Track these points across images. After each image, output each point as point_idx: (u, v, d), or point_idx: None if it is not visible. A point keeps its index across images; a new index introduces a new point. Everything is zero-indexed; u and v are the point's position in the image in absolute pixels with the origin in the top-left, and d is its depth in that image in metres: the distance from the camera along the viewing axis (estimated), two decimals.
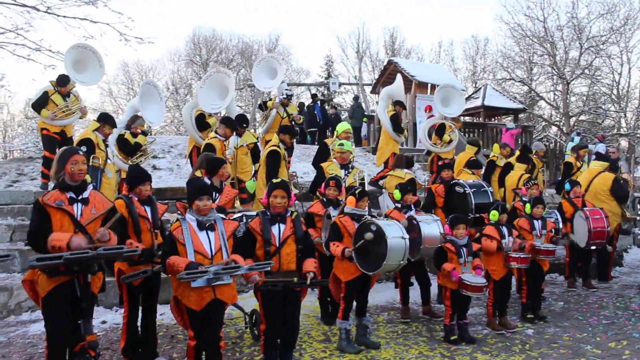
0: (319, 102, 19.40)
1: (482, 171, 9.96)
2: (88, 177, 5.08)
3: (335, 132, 8.85)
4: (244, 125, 8.90)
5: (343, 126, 8.57)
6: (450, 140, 11.57)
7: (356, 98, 21.83)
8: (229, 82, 9.59)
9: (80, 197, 4.18)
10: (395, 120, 10.92)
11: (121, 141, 8.87)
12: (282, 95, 11.49)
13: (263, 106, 11.70)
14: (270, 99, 11.75)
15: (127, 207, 4.89)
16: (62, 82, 9.50)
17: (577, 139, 17.72)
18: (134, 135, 8.96)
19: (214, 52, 43.32)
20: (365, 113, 20.28)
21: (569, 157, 10.93)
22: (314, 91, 26.85)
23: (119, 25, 14.53)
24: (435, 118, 12.23)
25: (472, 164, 9.39)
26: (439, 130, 11.58)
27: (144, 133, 9.27)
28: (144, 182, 5.08)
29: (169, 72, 44.72)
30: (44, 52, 14.91)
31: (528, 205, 7.08)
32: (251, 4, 63.39)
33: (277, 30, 68.09)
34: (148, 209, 5.05)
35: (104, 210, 4.29)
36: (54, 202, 4.04)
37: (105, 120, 7.99)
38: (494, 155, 10.54)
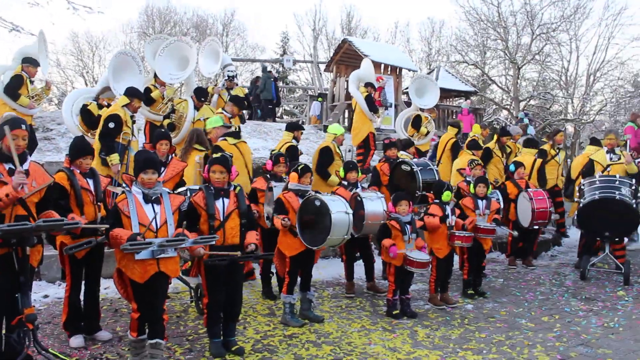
0: (272, 79, 19.30)
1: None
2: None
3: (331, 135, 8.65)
4: (202, 99, 8.71)
5: (339, 129, 8.56)
6: (427, 132, 11.75)
7: (264, 69, 21.39)
8: (190, 52, 9.23)
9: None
10: (371, 101, 10.99)
11: (85, 112, 8.33)
12: (225, 77, 10.83)
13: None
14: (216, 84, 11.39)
15: (68, 180, 4.80)
16: (35, 63, 8.92)
17: (525, 120, 18.16)
18: (100, 107, 8.36)
19: (168, 25, 42.40)
20: (319, 91, 20.28)
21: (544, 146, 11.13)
22: (268, 68, 26.66)
23: None
24: (410, 110, 12.18)
25: (473, 145, 9.58)
26: (415, 122, 11.59)
27: (108, 106, 8.44)
28: (85, 156, 4.97)
29: (120, 44, 43.55)
30: None
31: (472, 185, 7.27)
32: None
33: (232, 4, 66.92)
34: (91, 182, 4.97)
35: (44, 184, 4.21)
36: None
37: (135, 94, 7.54)
38: (475, 136, 10.70)
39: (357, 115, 11.22)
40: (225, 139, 7.35)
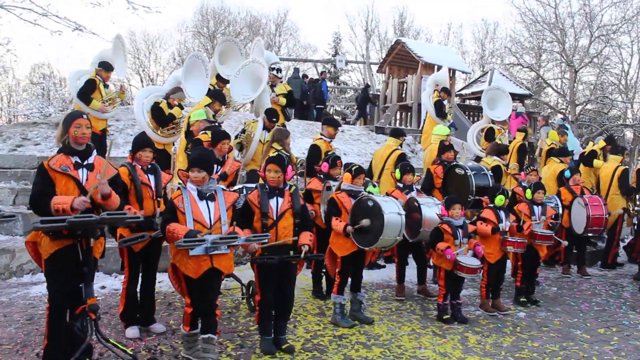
0: (326, 79, 19.32)
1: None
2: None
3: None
4: (274, 119, 8.62)
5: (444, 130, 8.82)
6: None
7: (296, 70, 21.24)
8: (262, 73, 9.09)
9: (85, 163, 4.20)
10: (439, 106, 10.93)
11: (156, 109, 8.43)
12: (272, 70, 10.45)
13: None
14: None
15: (130, 175, 4.96)
16: (107, 67, 9.06)
17: (567, 125, 17.60)
18: (170, 106, 8.52)
19: (222, 25, 43.05)
20: (371, 93, 20.23)
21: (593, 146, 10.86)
22: (321, 68, 26.76)
23: None
24: (482, 122, 11.86)
25: (560, 152, 9.62)
26: (488, 135, 11.15)
27: (181, 106, 8.77)
28: (144, 148, 5.13)
29: (175, 43, 44.53)
30: (50, 17, 14.81)
31: (529, 191, 7.11)
32: None
33: (285, 4, 67.44)
34: (151, 177, 5.12)
35: (109, 177, 4.33)
36: (59, 166, 4.06)
37: (217, 96, 7.81)
38: (553, 143, 10.51)
39: (427, 119, 11.27)
40: (206, 133, 7.36)
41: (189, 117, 7.78)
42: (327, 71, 24.41)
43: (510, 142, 10.93)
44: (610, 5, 30.85)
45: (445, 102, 11.11)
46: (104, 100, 8.98)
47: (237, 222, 4.69)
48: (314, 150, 8.03)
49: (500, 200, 6.54)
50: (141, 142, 5.22)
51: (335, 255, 5.83)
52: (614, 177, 9.42)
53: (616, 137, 32.89)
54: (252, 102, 10.60)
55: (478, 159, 10.70)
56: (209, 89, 9.49)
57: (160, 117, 8.44)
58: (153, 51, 44.40)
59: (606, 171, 9.62)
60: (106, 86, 9.13)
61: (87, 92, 8.78)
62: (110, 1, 13.88)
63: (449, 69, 18.44)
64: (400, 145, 8.78)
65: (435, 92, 11.19)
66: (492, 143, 9.62)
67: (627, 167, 9.25)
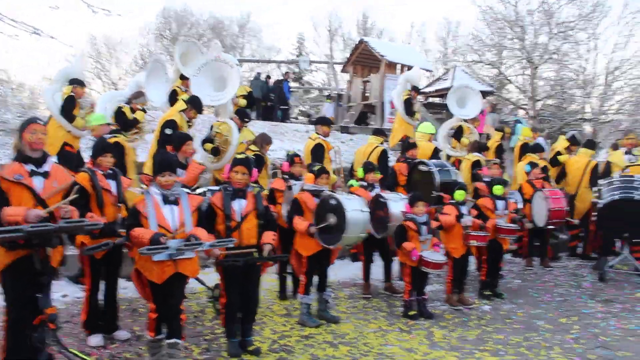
0: (289, 80, 19.31)
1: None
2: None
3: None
4: (246, 120, 8.58)
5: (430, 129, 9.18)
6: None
7: (258, 74, 21.21)
8: (229, 73, 8.77)
9: (41, 170, 4.12)
10: (409, 104, 11.02)
11: (119, 114, 8.29)
12: None
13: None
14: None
15: (90, 181, 4.88)
16: (82, 84, 8.70)
17: (524, 121, 17.98)
18: (133, 110, 8.43)
19: (184, 27, 42.64)
20: (335, 93, 20.30)
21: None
22: (285, 69, 26.75)
23: None
24: (451, 121, 11.88)
25: (537, 149, 9.85)
26: (457, 134, 11.24)
27: (144, 110, 8.67)
28: (105, 153, 5.06)
29: (138, 46, 43.94)
30: (6, 21, 14.48)
31: (499, 186, 7.12)
32: None
33: (248, 6, 67.12)
34: (112, 183, 5.05)
35: (65, 184, 4.26)
36: (12, 176, 3.97)
37: (194, 103, 7.70)
38: (526, 139, 10.68)
39: (396, 117, 11.44)
40: (116, 136, 7.37)
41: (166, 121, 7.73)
42: (291, 72, 24.40)
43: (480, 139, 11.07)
44: (568, 2, 31.53)
45: (414, 100, 11.21)
46: (81, 117, 8.56)
47: (201, 225, 4.66)
48: (319, 148, 8.23)
49: (459, 195, 6.64)
50: (102, 147, 5.15)
51: (301, 255, 5.83)
52: (586, 171, 9.59)
53: (569, 131, 33.71)
54: None
55: (448, 158, 10.80)
56: (174, 90, 9.42)
57: (124, 121, 8.30)
58: (115, 55, 43.78)
59: (577, 165, 9.77)
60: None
61: (70, 109, 8.44)
62: (68, 3, 13.58)
63: (412, 68, 18.67)
64: (382, 143, 8.91)
65: (406, 90, 11.28)
66: (473, 141, 9.79)
67: (598, 161, 9.42)
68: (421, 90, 18.58)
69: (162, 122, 7.57)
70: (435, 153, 9.29)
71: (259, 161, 7.74)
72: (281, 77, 21.24)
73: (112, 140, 6.96)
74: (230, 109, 9.04)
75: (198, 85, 8.84)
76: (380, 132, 9.31)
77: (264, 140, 8.02)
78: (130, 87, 8.73)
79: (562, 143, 10.75)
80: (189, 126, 7.77)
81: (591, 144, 10.21)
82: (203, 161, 8.82)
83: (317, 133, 8.53)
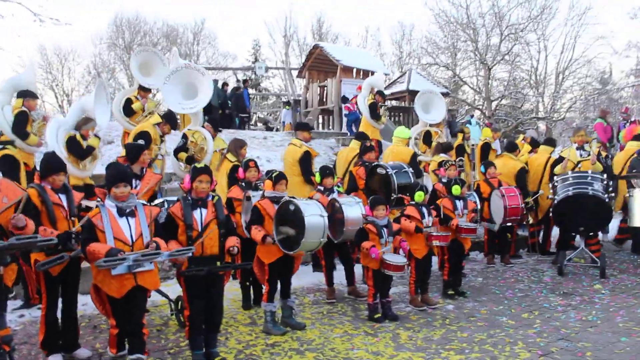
0: (248, 87, 19.23)
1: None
2: None
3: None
4: (219, 129, 8.50)
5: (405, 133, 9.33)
6: None
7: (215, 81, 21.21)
8: (199, 81, 8.67)
9: None
10: (374, 108, 11.07)
11: (73, 143, 7.57)
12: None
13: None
14: None
15: (40, 196, 4.70)
16: (33, 96, 8.27)
17: (473, 122, 18.43)
18: (84, 138, 7.73)
19: (138, 35, 42.10)
20: (291, 98, 20.31)
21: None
22: (241, 76, 26.61)
23: (32, 5, 13.89)
24: (418, 126, 12.04)
25: (511, 147, 10.10)
26: (425, 138, 11.38)
27: (97, 137, 7.99)
28: (59, 172, 4.88)
29: (90, 56, 43.18)
30: None
31: (457, 187, 7.19)
32: None
33: (202, 13, 66.71)
34: (63, 197, 4.88)
35: (16, 199, 4.14)
36: None
37: (169, 119, 7.61)
38: (486, 139, 10.78)
39: (362, 122, 11.50)
40: (6, 147, 7.26)
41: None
42: (248, 78, 24.27)
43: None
44: (517, 5, 32.31)
45: (380, 104, 11.29)
46: (34, 132, 8.13)
47: (161, 236, 4.57)
48: (307, 156, 8.29)
49: (419, 196, 6.70)
50: (56, 166, 4.92)
51: (263, 262, 5.78)
52: (546, 168, 9.75)
53: (529, 129, 34.49)
54: None
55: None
56: (128, 99, 9.26)
57: (79, 151, 7.68)
58: (66, 65, 42.89)
59: (537, 162, 9.93)
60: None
61: (22, 125, 7.93)
62: (14, 14, 13.24)
63: (367, 71, 18.83)
64: (305, 140, 8.80)
65: (371, 95, 11.34)
66: (436, 143, 9.93)
67: (558, 157, 9.59)
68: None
69: (135, 133, 7.46)
70: (414, 157, 9.37)
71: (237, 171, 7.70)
72: (237, 85, 21.14)
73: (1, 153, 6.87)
74: (201, 118, 8.96)
75: (168, 93, 8.74)
76: (362, 137, 9.31)
77: (237, 146, 7.86)
78: (72, 113, 8.06)
79: (525, 148, 10.94)
80: (162, 141, 7.64)
81: (551, 142, 10.45)
82: (175, 170, 8.71)
83: (298, 139, 8.49)
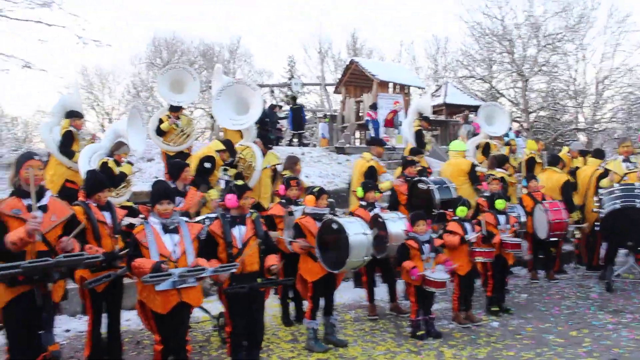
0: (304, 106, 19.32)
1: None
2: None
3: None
4: (270, 146, 8.47)
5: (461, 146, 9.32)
6: None
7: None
8: (251, 96, 8.64)
9: (39, 204, 4.07)
10: (419, 136, 10.83)
11: (105, 169, 7.43)
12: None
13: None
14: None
15: (85, 214, 4.79)
16: (79, 115, 8.54)
17: (511, 134, 18.05)
18: (118, 163, 7.72)
19: (175, 54, 42.89)
20: (328, 113, 20.34)
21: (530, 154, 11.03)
22: (277, 92, 26.78)
23: (76, 28, 14.32)
24: (479, 137, 11.80)
25: (555, 161, 9.78)
26: (484, 150, 11.13)
27: (130, 163, 7.98)
28: (103, 190, 4.99)
29: (129, 75, 44.19)
30: None
31: (501, 201, 7.08)
32: (211, 5, 62.97)
33: (238, 31, 67.74)
34: (107, 215, 4.95)
35: (64, 217, 4.21)
36: (9, 210, 3.94)
37: (229, 147, 7.71)
38: (532, 152, 10.61)
39: (407, 148, 11.14)
40: None
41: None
42: (289, 95, 24.26)
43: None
44: (554, 15, 31.90)
45: (425, 131, 11.10)
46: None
47: (201, 254, 4.59)
48: (371, 171, 8.24)
49: (461, 211, 6.59)
50: (101, 183, 5.04)
51: (306, 280, 5.75)
52: (591, 181, 9.49)
53: (570, 141, 33.79)
54: (213, 127, 10.52)
55: None
56: (161, 120, 9.27)
57: (111, 177, 7.53)
58: (107, 85, 43.97)
59: (584, 174, 9.70)
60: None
61: (67, 144, 8.20)
62: (59, 37, 13.67)
63: (403, 86, 18.80)
64: (378, 156, 8.78)
65: (417, 121, 11.16)
66: (491, 157, 9.71)
67: (603, 170, 9.33)
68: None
69: (199, 157, 7.52)
70: (473, 168, 9.21)
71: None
72: (273, 102, 21.27)
73: None
74: (253, 133, 8.90)
75: (219, 109, 8.74)
76: (376, 142, 9.16)
77: (292, 162, 7.92)
78: (107, 137, 8.14)
79: (576, 161, 10.67)
80: (224, 168, 7.78)
81: (599, 153, 10.18)
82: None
83: (370, 154, 8.52)
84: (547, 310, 7.12)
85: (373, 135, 17.36)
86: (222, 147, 7.66)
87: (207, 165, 7.33)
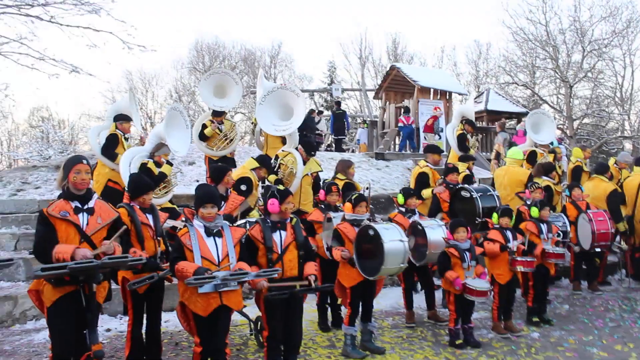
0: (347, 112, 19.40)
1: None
2: None
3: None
4: (312, 152, 8.41)
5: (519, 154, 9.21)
6: None
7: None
8: (295, 101, 8.65)
9: (85, 207, 4.18)
10: (463, 139, 10.81)
11: (144, 171, 7.46)
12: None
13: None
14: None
15: (129, 216, 4.90)
16: (126, 119, 8.63)
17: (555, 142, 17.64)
18: (158, 164, 7.72)
19: (217, 60, 43.50)
20: (368, 119, 20.29)
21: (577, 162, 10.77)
22: (317, 98, 26.87)
23: (122, 34, 14.72)
24: (525, 145, 11.58)
25: (602, 170, 9.57)
26: (529, 158, 10.68)
27: (169, 163, 7.94)
28: (148, 192, 5.11)
29: (172, 80, 45.06)
30: (47, 61, 15.01)
31: (535, 209, 7.03)
32: (253, 10, 63.67)
33: (279, 36, 68.19)
34: (150, 217, 5.07)
35: (109, 220, 4.30)
36: (58, 212, 4.05)
37: (264, 163, 7.66)
38: (578, 160, 10.46)
39: (451, 154, 11.11)
40: None
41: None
42: (316, 110, 24.39)
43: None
44: (600, 20, 31.23)
45: (469, 135, 11.00)
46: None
47: (241, 259, 4.63)
48: (422, 177, 8.30)
49: (494, 218, 6.54)
50: (145, 186, 5.17)
51: (344, 286, 5.74)
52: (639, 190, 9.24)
53: (615, 149, 32.92)
54: (253, 132, 10.57)
55: None
56: (204, 124, 9.36)
57: (151, 178, 7.40)
58: (150, 89, 44.88)
59: (632, 183, 9.43)
60: (126, 139, 8.65)
61: (110, 147, 8.35)
62: (106, 42, 14.05)
63: (445, 92, 18.64)
64: (434, 163, 8.78)
65: (460, 125, 11.07)
66: (537, 164, 9.52)
67: None
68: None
69: (236, 178, 7.37)
70: (531, 178, 8.87)
71: (350, 188, 7.68)
72: (313, 107, 21.37)
73: None
74: (296, 139, 8.87)
75: (262, 115, 8.77)
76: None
77: (345, 166, 7.95)
78: (150, 140, 8.06)
79: (624, 173, 10.35)
80: (261, 184, 7.77)
81: None
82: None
83: (425, 161, 8.56)
84: (590, 323, 6.94)
85: (405, 142, 17.39)
86: (256, 164, 7.59)
87: (243, 187, 7.23)
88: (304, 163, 8.18)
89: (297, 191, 7.98)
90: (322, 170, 8.58)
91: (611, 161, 10.85)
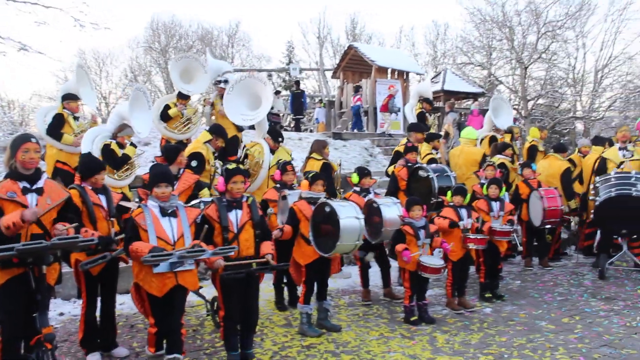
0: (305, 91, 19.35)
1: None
2: None
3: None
4: (280, 140, 8.35)
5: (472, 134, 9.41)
6: None
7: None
8: (262, 91, 8.64)
9: (34, 187, 4.07)
10: (422, 118, 10.89)
11: (107, 152, 7.38)
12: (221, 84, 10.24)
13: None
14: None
15: (80, 197, 4.81)
16: (73, 97, 8.34)
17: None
18: (121, 145, 7.62)
19: (173, 38, 42.68)
20: (326, 98, 20.29)
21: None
22: (275, 78, 26.68)
23: (73, 11, 14.28)
24: (484, 130, 11.76)
25: (559, 148, 9.91)
26: (490, 142, 11.00)
27: (134, 145, 7.78)
28: (99, 172, 5.01)
29: (127, 59, 44.01)
30: None
31: (485, 187, 7.22)
32: None
33: (237, 15, 67.32)
34: (103, 198, 4.98)
35: (60, 200, 4.20)
36: (5, 193, 3.93)
37: (218, 132, 7.48)
38: (534, 140, 10.62)
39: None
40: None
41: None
42: (281, 79, 24.33)
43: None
44: (554, 2, 31.77)
45: (428, 113, 11.09)
46: (76, 133, 8.13)
47: (197, 239, 4.60)
48: (397, 155, 8.37)
49: (448, 197, 6.66)
50: (96, 166, 5.09)
51: (300, 264, 5.77)
52: (594, 169, 9.48)
53: (567, 129, 33.76)
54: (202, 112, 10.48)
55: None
56: (168, 105, 9.25)
57: (114, 159, 7.49)
58: (104, 69, 43.78)
59: (589, 162, 9.66)
60: (76, 118, 8.35)
61: (56, 127, 8.07)
62: (57, 19, 13.63)
63: (402, 72, 18.72)
64: (434, 148, 9.00)
65: (419, 104, 11.16)
66: (493, 144, 9.83)
67: (600, 158, 9.29)
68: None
69: (187, 154, 7.28)
70: (485, 158, 9.18)
71: (327, 168, 7.76)
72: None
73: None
74: (264, 128, 8.82)
75: (229, 104, 8.68)
76: (415, 128, 9.05)
77: (320, 146, 7.98)
78: (112, 120, 7.94)
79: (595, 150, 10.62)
80: (215, 156, 7.67)
81: (599, 140, 10.17)
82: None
83: (408, 139, 8.57)
84: (540, 297, 7.16)
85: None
86: (209, 136, 7.52)
87: (193, 163, 7.13)
88: (273, 152, 8.13)
89: (265, 181, 7.96)
90: (293, 159, 8.38)
91: (575, 151, 11.07)
